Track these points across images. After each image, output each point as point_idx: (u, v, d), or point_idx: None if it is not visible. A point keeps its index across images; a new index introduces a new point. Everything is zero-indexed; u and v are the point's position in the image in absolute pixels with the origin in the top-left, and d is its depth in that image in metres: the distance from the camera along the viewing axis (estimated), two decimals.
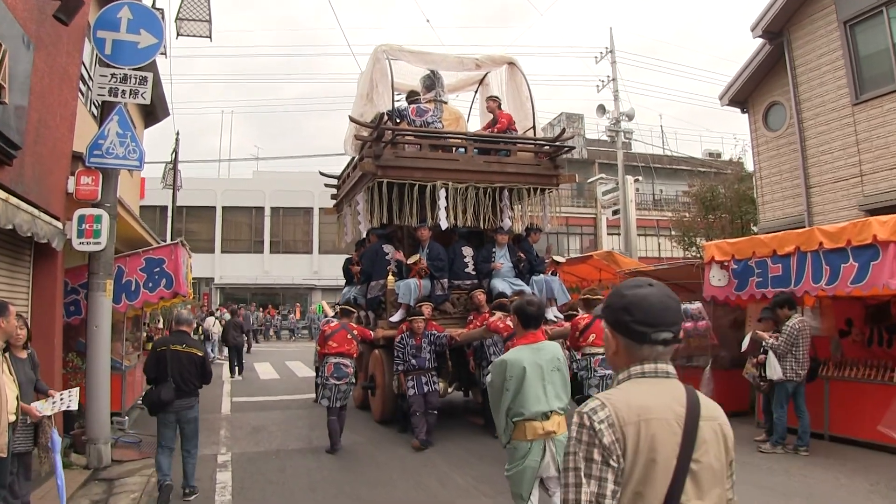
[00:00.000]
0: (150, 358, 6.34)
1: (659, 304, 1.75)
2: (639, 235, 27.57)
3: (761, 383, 8.20)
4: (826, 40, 13.07)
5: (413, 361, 8.66)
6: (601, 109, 21.95)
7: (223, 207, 35.68)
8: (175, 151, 20.89)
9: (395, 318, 9.54)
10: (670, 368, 1.76)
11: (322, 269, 34.84)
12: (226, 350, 18.67)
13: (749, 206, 21.17)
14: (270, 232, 36.13)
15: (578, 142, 34.56)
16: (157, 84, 14.61)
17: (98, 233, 7.11)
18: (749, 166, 22.54)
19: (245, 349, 19.47)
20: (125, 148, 7.25)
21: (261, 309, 33.33)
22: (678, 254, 28.70)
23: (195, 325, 19.95)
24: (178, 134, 21.35)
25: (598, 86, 22.96)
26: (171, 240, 10.56)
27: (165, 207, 22.83)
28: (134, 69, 7.27)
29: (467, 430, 9.48)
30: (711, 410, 1.74)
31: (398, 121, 10.07)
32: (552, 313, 10.10)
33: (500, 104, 10.89)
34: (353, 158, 11.18)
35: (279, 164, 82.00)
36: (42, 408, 5.16)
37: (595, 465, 1.58)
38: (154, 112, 16.25)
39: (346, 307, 9.14)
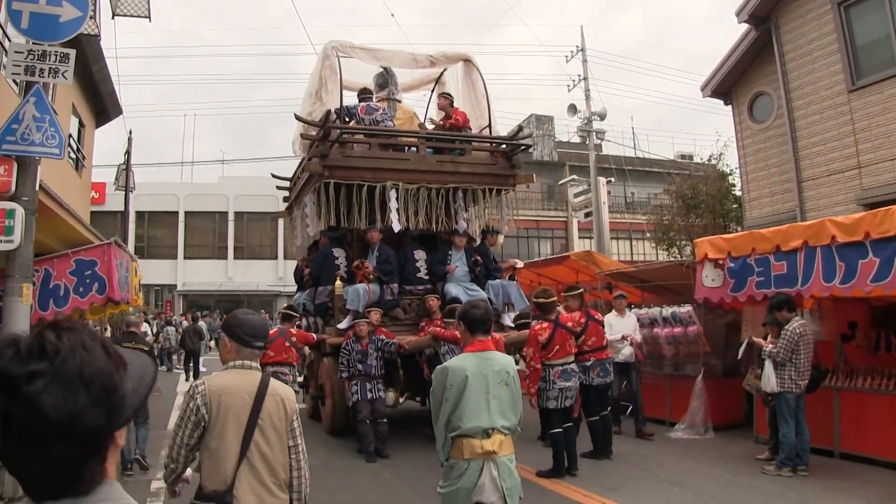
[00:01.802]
0: None
1: (259, 325, 3.03)
2: (611, 238, 27.28)
3: (769, 397, 7.25)
4: (818, 24, 12.17)
5: (359, 367, 8.20)
6: (572, 109, 21.48)
7: (186, 213, 34.73)
8: (128, 151, 20.03)
9: (343, 324, 9.06)
10: (255, 364, 2.97)
11: (288, 274, 33.53)
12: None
13: (732, 204, 20.35)
14: (234, 237, 35.24)
15: (549, 143, 34.29)
16: (106, 79, 14.04)
17: (10, 229, 6.29)
18: (728, 164, 21.81)
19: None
20: (43, 133, 6.41)
21: (223, 316, 32.41)
22: (652, 257, 28.44)
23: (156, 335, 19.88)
24: (130, 133, 20.37)
25: (569, 85, 22.49)
26: (131, 246, 9.82)
27: (127, 213, 21.99)
28: (54, 45, 6.48)
29: (421, 441, 8.95)
30: (277, 389, 2.94)
31: (346, 119, 9.65)
32: (509, 319, 9.69)
33: (452, 101, 10.46)
34: (303, 159, 10.70)
35: (244, 169, 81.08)
36: None
37: (188, 419, 2.81)
38: (105, 110, 15.61)
39: (288, 312, 8.69)
